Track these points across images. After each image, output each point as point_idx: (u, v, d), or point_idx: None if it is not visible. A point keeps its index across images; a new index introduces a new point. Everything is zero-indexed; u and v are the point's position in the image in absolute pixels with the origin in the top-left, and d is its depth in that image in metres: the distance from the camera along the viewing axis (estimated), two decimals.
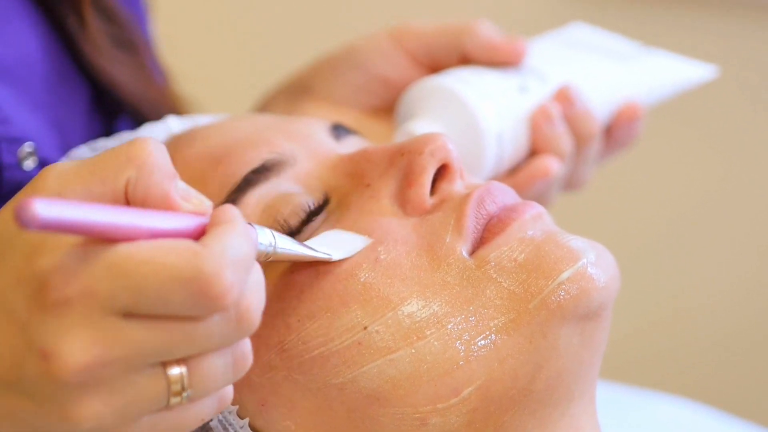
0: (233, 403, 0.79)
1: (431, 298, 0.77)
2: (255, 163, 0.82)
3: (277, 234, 0.73)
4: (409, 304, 0.77)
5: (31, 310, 0.64)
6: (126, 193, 0.66)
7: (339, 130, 0.89)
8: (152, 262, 0.63)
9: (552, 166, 0.99)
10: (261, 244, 0.71)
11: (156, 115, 1.02)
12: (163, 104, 1.04)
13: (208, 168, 0.83)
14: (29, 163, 0.92)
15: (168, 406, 0.66)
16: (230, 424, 0.79)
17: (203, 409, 0.68)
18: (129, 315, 0.64)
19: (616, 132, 1.06)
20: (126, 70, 1.00)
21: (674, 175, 2.11)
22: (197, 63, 1.72)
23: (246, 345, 0.68)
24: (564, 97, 1.01)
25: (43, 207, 0.59)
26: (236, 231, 0.65)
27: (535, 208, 0.81)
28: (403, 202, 0.81)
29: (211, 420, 0.78)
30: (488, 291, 0.78)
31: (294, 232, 0.80)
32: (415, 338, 0.76)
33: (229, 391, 0.70)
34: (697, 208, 2.10)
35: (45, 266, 0.64)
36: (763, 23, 2.04)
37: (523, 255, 0.79)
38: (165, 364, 0.66)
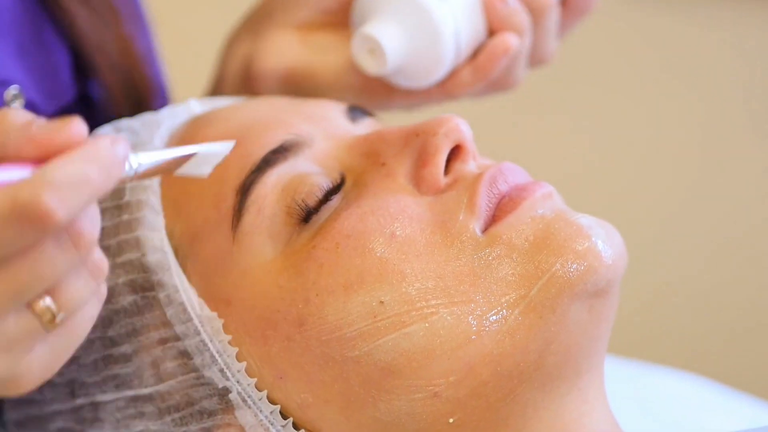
0: (251, 376, 0.81)
1: (445, 274, 0.79)
2: (274, 143, 0.84)
3: (139, 152, 0.71)
4: (423, 279, 0.79)
5: None
6: None
7: (355, 112, 0.90)
8: None
9: (510, 41, 0.97)
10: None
11: (126, 86, 1.02)
12: (136, 79, 1.03)
13: None
14: (16, 106, 0.92)
15: (50, 332, 0.68)
16: (249, 396, 0.81)
17: (86, 315, 0.71)
18: None
19: (572, 0, 1.03)
20: (98, 33, 1.00)
21: (684, 153, 2.11)
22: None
23: (95, 254, 0.69)
24: None
25: None
26: (68, 156, 0.65)
27: (545, 188, 0.83)
28: (418, 181, 0.83)
29: (230, 392, 0.81)
30: (500, 267, 0.80)
31: (312, 212, 0.82)
32: (428, 313, 0.78)
33: (103, 287, 0.71)
34: (707, 183, 2.11)
35: None
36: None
37: (533, 233, 0.80)
38: (29, 303, 0.67)
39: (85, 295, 0.70)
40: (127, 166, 0.69)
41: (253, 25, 1.05)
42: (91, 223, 0.68)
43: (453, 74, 0.98)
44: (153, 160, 0.72)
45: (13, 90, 0.92)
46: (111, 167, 0.66)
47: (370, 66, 0.96)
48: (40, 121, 0.67)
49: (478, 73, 0.96)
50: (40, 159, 0.66)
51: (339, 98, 0.97)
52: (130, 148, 0.69)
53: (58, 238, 0.66)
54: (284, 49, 1.01)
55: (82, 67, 1.00)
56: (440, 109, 0.99)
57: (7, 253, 0.65)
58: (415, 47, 0.96)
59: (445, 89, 0.98)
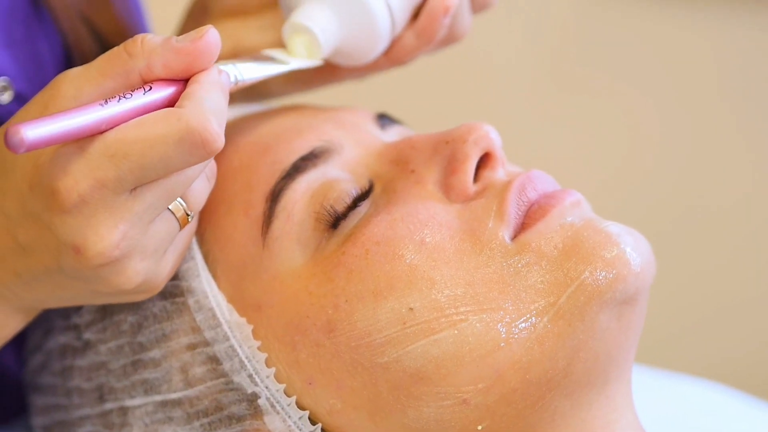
0: (280, 381, 0.81)
1: (474, 281, 0.79)
2: (304, 150, 0.84)
3: (239, 65, 0.81)
4: (452, 286, 0.79)
5: (52, 212, 0.72)
6: (143, 80, 0.73)
7: (384, 120, 0.91)
8: (144, 138, 0.71)
9: (448, 0, 0.92)
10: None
11: None
12: None
13: (258, 155, 0.85)
14: (5, 97, 0.93)
15: (181, 228, 0.78)
16: (278, 402, 0.81)
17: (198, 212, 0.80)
18: (137, 186, 0.72)
19: None
20: (89, 19, 1.00)
21: (709, 162, 2.11)
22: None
23: (213, 162, 0.80)
24: None
25: (30, 129, 0.67)
26: (209, 85, 0.73)
27: (574, 195, 0.83)
28: (447, 188, 0.83)
29: (259, 398, 0.81)
30: (529, 275, 0.80)
31: (340, 218, 0.82)
32: (458, 320, 0.78)
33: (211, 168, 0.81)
34: (730, 194, 2.10)
35: (52, 172, 0.71)
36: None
37: (562, 240, 0.80)
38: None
39: (204, 195, 0.79)
40: (232, 78, 0.79)
41: (193, 21, 1.03)
42: (219, 126, 0.73)
43: (396, 41, 0.94)
44: (250, 75, 0.81)
45: (2, 81, 0.93)
46: (227, 90, 0.75)
47: (305, 54, 0.91)
48: (175, 37, 0.74)
49: (422, 37, 0.93)
50: (187, 71, 0.74)
51: (285, 78, 0.95)
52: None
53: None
54: (229, 34, 0.98)
55: (72, 58, 1.00)
56: (470, 115, 0.97)
57: (171, 172, 0.72)
58: (348, 27, 0.92)
59: (392, 57, 0.94)
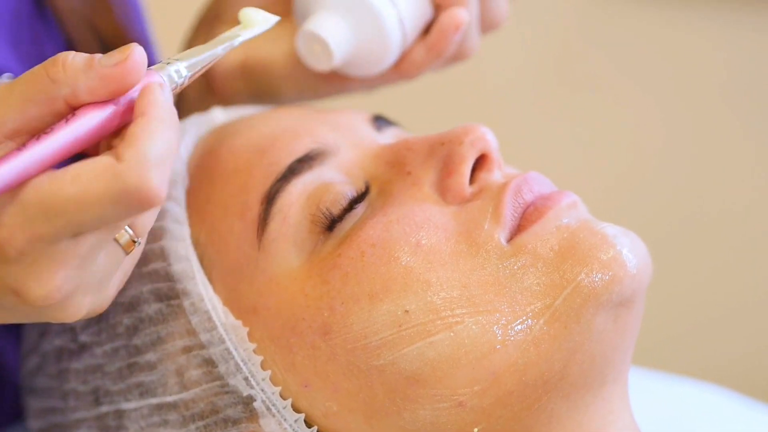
0: (276, 384, 0.81)
1: (470, 284, 0.79)
2: (299, 152, 0.84)
3: (180, 64, 0.75)
4: (448, 288, 0.79)
5: None
6: (69, 106, 0.70)
7: (380, 122, 0.90)
8: (79, 198, 0.68)
9: (460, 16, 0.94)
10: (174, 83, 0.74)
11: None
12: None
13: (254, 157, 0.85)
14: None
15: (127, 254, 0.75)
16: (273, 405, 0.81)
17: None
18: (77, 234, 0.69)
19: None
20: (90, 21, 1.00)
21: (710, 164, 2.11)
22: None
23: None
24: None
25: None
26: (153, 125, 0.69)
27: (570, 197, 0.83)
28: (443, 190, 0.83)
29: (255, 401, 0.81)
30: (525, 277, 0.80)
31: (336, 220, 0.82)
32: (453, 322, 0.78)
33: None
34: (731, 196, 2.10)
35: None
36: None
37: (558, 242, 0.80)
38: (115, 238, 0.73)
39: (153, 218, 0.75)
40: (179, 80, 0.74)
41: (204, 29, 1.03)
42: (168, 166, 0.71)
43: (405, 55, 0.96)
44: (194, 67, 0.76)
45: (6, 78, 0.93)
46: (175, 117, 0.71)
47: (317, 63, 0.94)
48: (98, 57, 0.70)
49: (432, 52, 0.95)
50: (113, 95, 0.70)
51: (296, 89, 0.97)
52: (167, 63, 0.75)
53: None
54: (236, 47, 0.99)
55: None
56: (467, 117, 0.98)
57: (112, 224, 0.70)
58: (360, 38, 0.94)
59: (400, 71, 0.96)
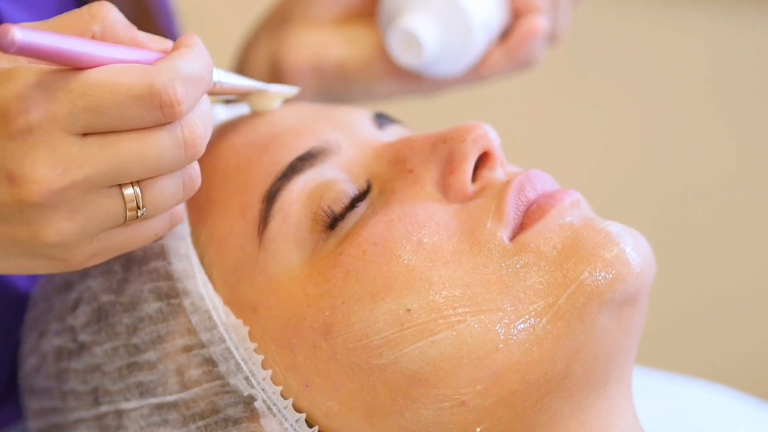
0: (277, 384, 0.80)
1: (472, 282, 0.79)
2: (300, 150, 0.84)
3: (220, 70, 0.80)
4: (450, 287, 0.78)
5: None
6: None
7: (382, 119, 0.90)
8: (108, 83, 0.70)
9: (540, 23, 1.02)
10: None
11: None
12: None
13: (255, 155, 0.85)
14: None
15: (125, 223, 0.74)
16: (274, 404, 0.80)
17: (156, 225, 0.77)
18: (88, 134, 0.70)
19: None
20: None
21: (712, 162, 2.11)
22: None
23: (195, 169, 0.76)
24: None
25: (21, 33, 0.66)
26: (190, 53, 0.72)
27: (573, 195, 0.83)
28: (445, 188, 0.82)
29: (256, 400, 0.80)
30: (528, 276, 0.79)
31: (338, 218, 0.81)
32: (456, 321, 0.78)
33: (180, 210, 0.78)
34: (736, 193, 2.10)
35: (8, 94, 0.70)
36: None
37: (561, 240, 0.80)
38: (122, 186, 0.73)
39: (170, 201, 0.75)
40: (216, 78, 0.78)
41: (270, 28, 1.07)
42: (204, 131, 0.73)
43: (485, 58, 1.02)
44: (230, 81, 0.81)
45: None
46: (211, 69, 0.74)
47: (407, 59, 1.00)
48: (141, 33, 0.74)
49: (510, 56, 1.01)
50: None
51: (368, 86, 1.02)
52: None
53: (172, 131, 0.72)
54: (312, 43, 1.04)
55: None
56: (469, 115, 1.00)
57: (124, 128, 0.71)
58: (448, 38, 0.99)
59: (477, 73, 1.02)
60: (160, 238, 0.81)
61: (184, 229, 0.84)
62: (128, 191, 0.73)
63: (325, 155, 0.84)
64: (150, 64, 0.72)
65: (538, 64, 1.05)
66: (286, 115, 0.89)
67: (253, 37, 1.10)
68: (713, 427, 1.17)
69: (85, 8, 0.73)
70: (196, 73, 0.72)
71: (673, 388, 1.22)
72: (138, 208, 0.74)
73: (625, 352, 0.81)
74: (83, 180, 0.71)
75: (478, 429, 0.79)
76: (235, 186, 0.84)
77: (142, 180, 0.73)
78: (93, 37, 0.72)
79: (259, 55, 1.07)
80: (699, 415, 1.18)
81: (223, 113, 0.94)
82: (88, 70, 0.70)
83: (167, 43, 0.75)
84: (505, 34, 1.04)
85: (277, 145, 0.85)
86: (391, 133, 0.89)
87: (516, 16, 1.03)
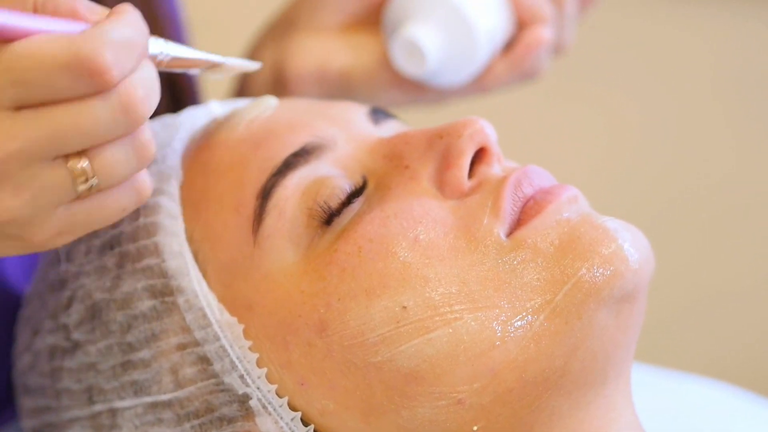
0: (272, 382, 0.80)
1: (468, 279, 0.78)
2: (295, 146, 0.83)
3: (169, 42, 0.77)
4: (447, 284, 0.78)
5: None
6: (35, 11, 0.71)
7: (378, 114, 0.89)
8: (33, 54, 0.68)
9: (544, 34, 1.02)
10: (151, 51, 0.75)
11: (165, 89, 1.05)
12: (175, 86, 1.07)
13: (249, 151, 0.84)
14: None
15: (79, 196, 0.72)
16: (270, 403, 0.80)
17: (120, 198, 0.75)
18: (20, 107, 0.69)
19: None
20: None
21: (713, 155, 2.11)
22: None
23: (144, 134, 0.73)
24: None
25: None
26: (120, 19, 0.70)
27: (570, 191, 0.82)
28: (442, 184, 0.82)
29: (251, 399, 0.80)
30: (525, 272, 0.79)
31: (334, 214, 0.81)
32: (452, 318, 0.77)
33: (144, 181, 0.75)
34: (738, 190, 2.10)
35: None
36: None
37: (558, 236, 0.79)
38: (66, 158, 0.71)
39: (123, 170, 0.73)
40: (156, 49, 0.75)
41: (275, 34, 1.07)
42: (144, 94, 0.71)
43: (488, 69, 1.02)
44: (177, 52, 0.77)
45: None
46: (146, 36, 0.72)
47: (410, 68, 1.00)
48: (86, 2, 0.72)
49: (513, 67, 1.01)
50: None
51: (372, 95, 1.02)
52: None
53: (107, 98, 0.70)
54: (316, 50, 1.05)
55: None
56: (465, 110, 0.99)
57: (55, 99, 0.69)
58: (451, 49, 0.99)
59: (480, 84, 1.03)
60: (130, 212, 0.78)
61: (178, 226, 0.83)
62: (73, 162, 0.71)
63: (320, 151, 0.84)
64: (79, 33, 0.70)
65: (542, 75, 1.06)
66: (281, 110, 0.88)
67: (257, 42, 1.10)
68: (712, 423, 1.17)
69: None
70: (126, 38, 0.70)
71: (672, 384, 1.22)
72: (87, 178, 0.72)
73: (624, 349, 0.81)
74: (18, 152, 0.69)
75: (476, 427, 0.78)
76: (230, 182, 0.83)
77: (88, 150, 0.71)
78: (35, 7, 0.71)
79: (262, 62, 1.07)
80: (698, 412, 1.18)
81: (219, 108, 0.94)
82: (13, 42, 0.68)
83: (104, 12, 0.72)
84: (510, 45, 1.04)
85: (272, 141, 0.84)
86: (388, 129, 0.89)
87: (521, 26, 1.03)
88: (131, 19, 0.71)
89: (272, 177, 0.82)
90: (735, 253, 2.10)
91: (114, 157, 0.72)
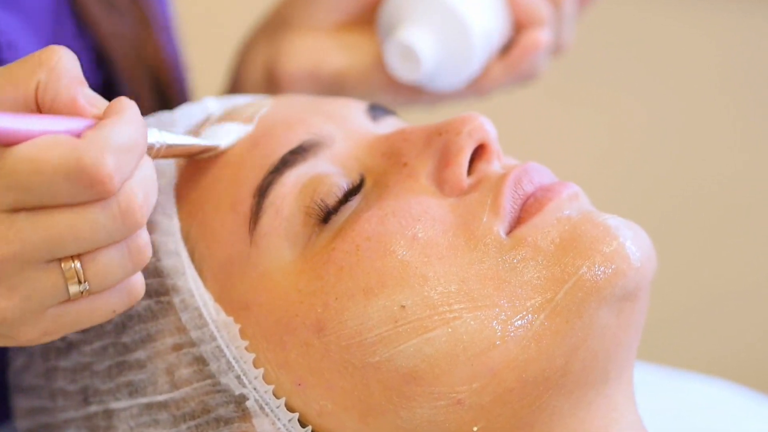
0: (269, 383, 0.79)
1: (468, 278, 0.77)
2: (292, 143, 0.83)
3: (163, 131, 0.77)
4: (446, 283, 0.77)
5: None
6: (36, 98, 0.70)
7: (376, 111, 0.89)
8: (34, 159, 0.67)
9: (541, 37, 1.02)
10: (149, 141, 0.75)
11: (153, 89, 1.04)
12: (163, 84, 1.06)
13: (246, 149, 0.83)
14: None
15: (70, 299, 0.71)
16: (267, 404, 0.79)
17: (110, 301, 0.73)
18: (18, 210, 0.68)
19: None
20: (125, 40, 1.02)
21: (716, 155, 2.11)
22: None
23: (141, 238, 0.72)
24: None
25: None
26: (121, 120, 0.69)
27: (571, 188, 0.81)
28: (441, 181, 0.81)
29: (247, 400, 0.79)
30: (525, 271, 0.78)
31: (331, 212, 0.80)
32: (451, 317, 0.77)
33: (137, 283, 0.74)
34: (739, 189, 2.10)
35: None
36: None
37: (559, 234, 0.79)
38: (60, 261, 0.70)
39: (117, 274, 0.72)
40: (152, 139, 0.75)
41: (268, 32, 1.07)
42: (143, 199, 0.70)
43: (485, 72, 1.02)
44: (173, 140, 0.77)
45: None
46: (146, 132, 0.71)
47: (404, 72, 0.99)
48: (88, 90, 0.71)
49: (510, 70, 1.01)
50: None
51: (366, 96, 1.01)
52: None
53: (107, 205, 0.69)
54: (309, 50, 1.04)
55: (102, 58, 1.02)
56: (465, 108, 0.99)
57: (55, 203, 0.68)
58: (447, 52, 0.98)
59: (477, 86, 1.02)
60: (120, 313, 0.77)
61: (174, 224, 0.83)
62: (66, 265, 0.70)
63: (317, 148, 0.83)
64: (80, 132, 0.69)
65: (540, 77, 1.05)
66: (278, 107, 0.88)
67: (250, 40, 1.10)
68: (716, 422, 1.16)
69: (38, 53, 0.70)
70: (127, 141, 0.69)
71: (675, 383, 1.21)
72: (80, 282, 0.71)
73: (626, 349, 0.80)
74: (13, 256, 0.69)
75: (475, 428, 0.77)
76: (226, 181, 0.83)
77: (83, 254, 0.70)
78: (37, 86, 0.70)
79: (255, 60, 1.07)
80: (701, 411, 1.18)
81: (214, 105, 0.93)
82: (15, 146, 0.68)
83: (102, 104, 0.71)
84: (507, 47, 1.03)
85: (269, 139, 0.83)
86: (386, 125, 0.88)
87: (518, 28, 1.03)
88: (131, 117, 0.70)
89: (269, 175, 0.82)
90: (738, 252, 2.10)
91: (108, 262, 0.71)
